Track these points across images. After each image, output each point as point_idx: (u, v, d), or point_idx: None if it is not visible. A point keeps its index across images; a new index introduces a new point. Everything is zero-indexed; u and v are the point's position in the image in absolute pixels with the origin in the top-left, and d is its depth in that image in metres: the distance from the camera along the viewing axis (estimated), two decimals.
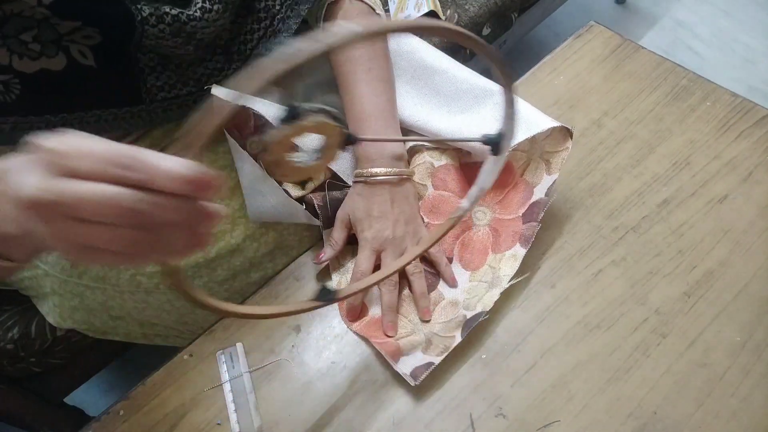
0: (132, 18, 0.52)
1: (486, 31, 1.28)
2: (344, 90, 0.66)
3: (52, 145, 0.29)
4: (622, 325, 0.60)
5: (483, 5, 1.25)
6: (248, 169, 0.63)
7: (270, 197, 0.63)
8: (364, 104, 0.64)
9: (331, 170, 0.67)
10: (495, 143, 0.49)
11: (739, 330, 0.59)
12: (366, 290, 0.61)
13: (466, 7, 1.24)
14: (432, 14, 1.19)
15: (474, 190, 0.54)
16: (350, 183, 0.66)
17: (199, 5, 0.55)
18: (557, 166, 0.65)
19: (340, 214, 0.64)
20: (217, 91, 0.60)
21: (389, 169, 0.62)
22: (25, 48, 0.51)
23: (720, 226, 0.66)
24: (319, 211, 0.64)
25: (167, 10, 0.54)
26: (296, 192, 0.65)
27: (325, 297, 0.47)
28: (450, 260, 0.65)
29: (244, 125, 0.64)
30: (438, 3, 1.21)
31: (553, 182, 0.64)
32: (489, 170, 0.53)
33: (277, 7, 0.63)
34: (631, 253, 0.65)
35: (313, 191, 0.66)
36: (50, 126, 0.56)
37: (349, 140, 0.44)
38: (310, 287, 0.65)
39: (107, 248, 0.30)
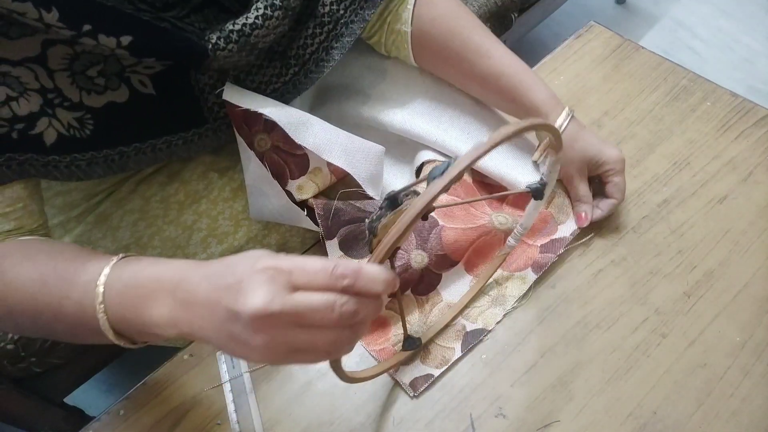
0: (204, 48, 0.53)
1: None
2: (478, 52, 0.66)
3: (275, 263, 0.36)
4: (622, 325, 0.60)
5: (483, 5, 1.25)
6: (253, 168, 0.63)
7: (273, 199, 0.63)
8: (510, 62, 0.66)
9: (342, 173, 0.65)
10: (537, 191, 0.57)
11: (739, 330, 0.59)
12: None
13: (467, 6, 1.24)
14: None
15: (518, 229, 0.62)
16: (370, 192, 0.64)
17: (261, 12, 0.55)
18: None
19: (571, 170, 0.66)
20: (230, 93, 0.59)
21: (565, 112, 0.63)
22: (92, 83, 0.51)
23: (720, 226, 0.66)
24: (318, 220, 0.63)
25: (231, 27, 0.54)
26: (300, 195, 0.64)
27: (413, 345, 0.57)
28: (454, 264, 0.65)
29: (253, 122, 0.64)
30: None
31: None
32: (530, 212, 0.61)
33: (341, 11, 0.62)
34: (631, 253, 0.65)
35: (315, 196, 0.65)
36: (124, 157, 0.56)
37: (428, 212, 0.49)
38: None
39: (313, 349, 0.37)
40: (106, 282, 0.43)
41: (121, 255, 0.45)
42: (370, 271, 0.36)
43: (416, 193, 0.47)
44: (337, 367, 0.45)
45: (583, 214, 0.65)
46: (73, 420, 0.98)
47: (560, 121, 0.62)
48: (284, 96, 0.63)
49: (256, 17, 0.55)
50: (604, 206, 0.65)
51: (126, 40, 0.48)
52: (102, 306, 0.42)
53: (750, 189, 0.69)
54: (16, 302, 0.46)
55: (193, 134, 0.60)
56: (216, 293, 0.37)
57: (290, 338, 0.36)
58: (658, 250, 0.65)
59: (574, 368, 0.58)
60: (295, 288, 0.36)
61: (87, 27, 0.46)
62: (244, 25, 0.55)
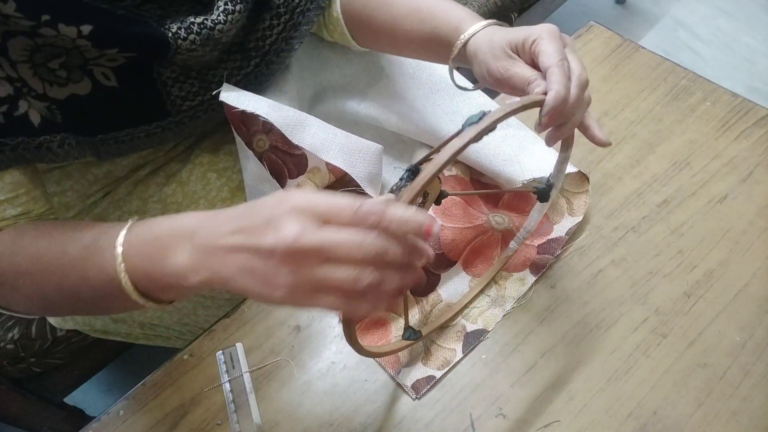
0: (164, 37, 0.53)
1: None
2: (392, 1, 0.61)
3: (304, 200, 0.36)
4: (622, 325, 0.60)
5: (483, 5, 1.25)
6: (252, 167, 0.63)
7: None
8: None
9: (341, 172, 0.65)
10: (543, 192, 0.56)
11: (739, 330, 0.59)
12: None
13: (467, 7, 1.24)
14: None
15: (522, 233, 0.61)
16: (369, 191, 0.65)
17: (221, 8, 0.56)
18: (580, 209, 0.66)
19: (493, 62, 0.50)
20: (226, 94, 0.59)
21: (486, 22, 0.55)
22: (53, 75, 0.51)
23: (720, 226, 0.66)
24: None
25: (192, 19, 0.54)
26: None
27: (414, 336, 0.55)
28: (452, 264, 0.65)
29: (251, 123, 0.64)
30: None
31: (576, 224, 0.65)
32: (535, 215, 0.60)
33: (296, 1, 0.62)
34: (631, 253, 0.65)
35: None
36: (93, 147, 0.56)
37: (442, 195, 0.49)
38: None
39: (337, 287, 0.36)
40: (125, 242, 0.43)
41: (136, 218, 0.46)
42: (397, 210, 0.36)
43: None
44: (351, 336, 0.44)
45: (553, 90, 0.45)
46: (73, 420, 0.98)
47: (476, 28, 0.54)
48: (247, 88, 0.63)
49: (218, 14, 0.55)
50: (552, 82, 0.45)
51: (86, 29, 0.48)
52: (122, 265, 0.42)
53: (750, 189, 0.69)
54: (42, 273, 0.47)
55: (155, 127, 0.60)
56: (241, 233, 0.38)
57: (315, 274, 0.36)
58: (658, 250, 0.65)
59: (574, 368, 0.58)
60: (325, 223, 0.36)
61: (46, 17, 0.45)
62: (206, 19, 0.55)
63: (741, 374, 0.57)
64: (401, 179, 0.49)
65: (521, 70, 0.48)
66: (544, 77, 0.46)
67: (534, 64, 0.48)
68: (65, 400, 0.99)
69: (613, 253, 0.65)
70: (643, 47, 0.84)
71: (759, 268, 0.63)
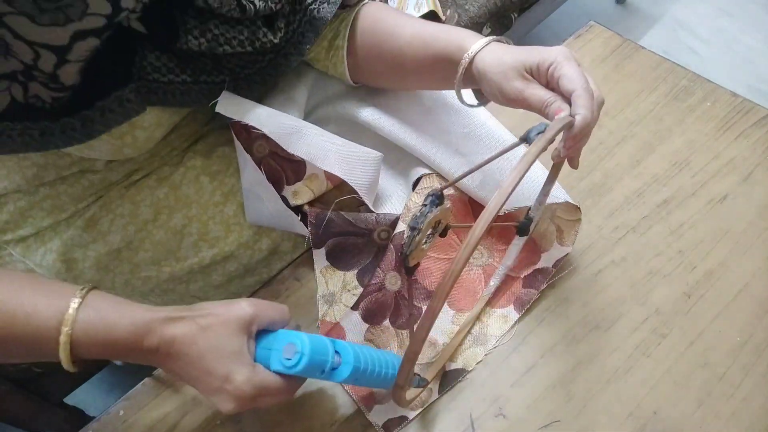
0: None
1: (486, 31, 1.28)
2: (395, 31, 0.63)
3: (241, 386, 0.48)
4: (622, 325, 0.60)
5: (483, 5, 1.25)
6: (250, 172, 0.62)
7: (268, 203, 0.62)
8: (421, 23, 0.62)
9: (338, 180, 0.64)
10: (523, 227, 0.56)
11: (739, 330, 0.59)
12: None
13: (466, 7, 1.24)
14: (432, 14, 1.19)
15: (500, 269, 0.60)
16: (366, 199, 0.63)
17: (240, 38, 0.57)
18: (570, 239, 0.63)
19: (510, 83, 0.51)
20: (223, 103, 0.58)
21: (486, 39, 0.56)
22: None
23: (720, 226, 0.67)
24: (309, 227, 0.62)
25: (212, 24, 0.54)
26: (295, 201, 0.64)
27: (422, 383, 0.53)
28: (428, 294, 0.63)
29: (252, 128, 0.63)
30: (438, 3, 1.21)
31: (565, 255, 0.63)
32: (514, 249, 0.59)
33: (295, 25, 0.62)
34: (631, 253, 0.65)
35: (311, 202, 0.65)
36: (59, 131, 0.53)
37: (447, 228, 0.50)
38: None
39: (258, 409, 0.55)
40: (74, 331, 0.44)
41: (79, 300, 0.45)
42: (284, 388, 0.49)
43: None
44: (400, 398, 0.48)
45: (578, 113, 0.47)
46: (73, 420, 0.98)
47: (479, 45, 0.54)
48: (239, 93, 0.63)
49: (240, 41, 0.56)
50: (579, 107, 0.46)
51: None
52: (67, 350, 0.44)
53: (750, 189, 0.69)
54: None
55: (113, 99, 0.54)
56: (201, 375, 0.46)
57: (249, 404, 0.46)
58: (658, 250, 0.65)
59: (574, 368, 0.58)
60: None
61: None
62: (221, 35, 0.55)
63: (741, 374, 0.57)
64: (424, 205, 0.48)
65: (537, 91, 0.50)
66: (563, 99, 0.48)
67: (550, 86, 0.50)
68: (65, 400, 0.99)
69: (613, 253, 0.65)
70: (643, 47, 0.84)
71: (759, 268, 0.63)
